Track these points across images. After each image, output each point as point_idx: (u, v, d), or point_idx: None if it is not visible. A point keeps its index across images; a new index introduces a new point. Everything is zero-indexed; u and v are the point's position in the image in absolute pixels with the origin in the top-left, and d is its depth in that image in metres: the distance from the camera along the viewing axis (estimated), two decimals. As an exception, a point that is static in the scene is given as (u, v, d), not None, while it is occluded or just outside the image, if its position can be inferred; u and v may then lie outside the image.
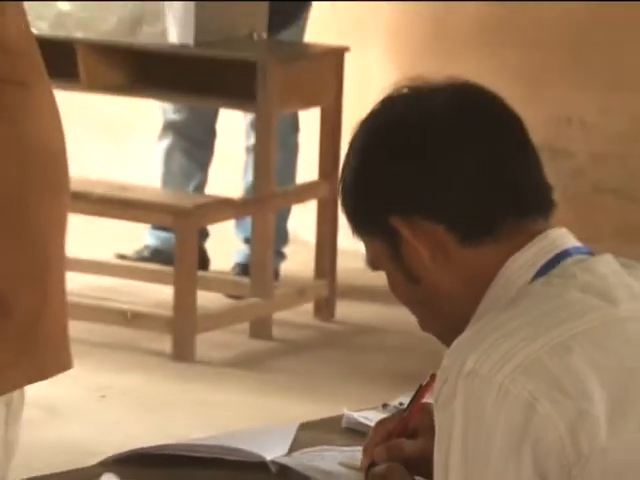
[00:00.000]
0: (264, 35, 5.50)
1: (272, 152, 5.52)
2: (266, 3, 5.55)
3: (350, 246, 4.35)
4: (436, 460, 1.66)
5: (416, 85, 1.77)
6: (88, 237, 5.80)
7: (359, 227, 1.76)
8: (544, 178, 1.78)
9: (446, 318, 1.77)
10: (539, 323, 1.66)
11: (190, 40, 5.28)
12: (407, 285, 1.75)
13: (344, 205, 1.79)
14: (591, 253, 1.75)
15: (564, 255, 1.70)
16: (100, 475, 2.00)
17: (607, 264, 1.73)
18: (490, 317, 1.70)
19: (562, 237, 1.73)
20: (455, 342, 1.67)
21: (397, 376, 4.91)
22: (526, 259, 1.71)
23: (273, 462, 2.13)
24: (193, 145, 5.97)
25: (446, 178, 1.73)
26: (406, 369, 4.97)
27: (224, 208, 5.73)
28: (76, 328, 4.47)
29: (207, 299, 5.42)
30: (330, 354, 5.45)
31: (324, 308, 5.71)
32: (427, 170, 1.74)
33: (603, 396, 1.58)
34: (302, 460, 2.16)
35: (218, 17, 5.56)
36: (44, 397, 4.33)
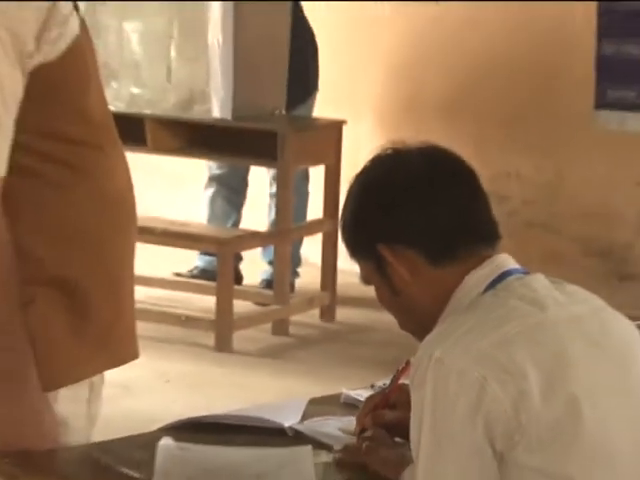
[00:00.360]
0: (283, 111, 5.51)
1: (289, 197, 5.57)
2: (285, 88, 5.47)
3: (347, 266, 4.40)
4: (412, 427, 1.72)
5: (397, 147, 1.84)
6: (153, 260, 5.65)
7: (355, 252, 1.82)
8: (492, 216, 1.84)
9: (419, 321, 1.81)
10: (489, 324, 1.71)
11: (229, 115, 5.29)
12: (391, 296, 1.80)
13: (344, 237, 1.84)
14: (527, 273, 1.80)
15: (507, 274, 1.76)
16: (160, 438, 2.07)
17: (538, 281, 1.78)
18: (452, 320, 1.76)
19: (505, 260, 1.78)
20: (426, 338, 1.73)
21: (382, 363, 4.66)
22: (478, 277, 1.76)
23: (290, 428, 2.14)
24: (231, 193, 5.97)
25: (419, 217, 1.78)
26: (389, 358, 4.71)
27: (253, 239, 5.75)
28: (143, 328, 4.40)
29: (240, 306, 5.43)
30: (332, 347, 5.41)
31: (327, 313, 5.72)
32: (405, 211, 1.80)
33: (537, 377, 1.64)
34: (311, 426, 2.18)
35: (249, 98, 5.47)
36: (120, 379, 4.11)
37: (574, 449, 1.70)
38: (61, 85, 2.02)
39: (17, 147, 1.98)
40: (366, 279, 1.88)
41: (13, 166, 1.97)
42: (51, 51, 1.95)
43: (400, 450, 1.97)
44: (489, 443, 1.68)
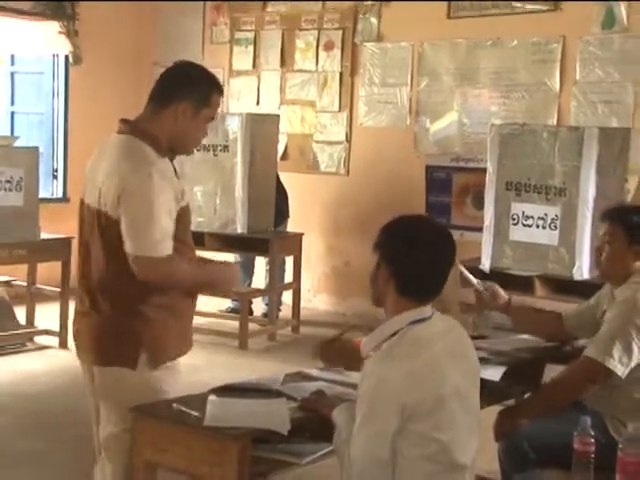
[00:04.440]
0: (272, 228, 6.35)
1: (275, 271, 6.43)
2: (272, 217, 6.34)
3: (307, 305, 5.56)
4: (358, 402, 2.09)
5: (406, 215, 2.14)
6: (206, 303, 5.89)
7: (380, 262, 2.12)
8: (445, 278, 2.12)
9: (379, 301, 2.17)
10: (413, 353, 2.07)
11: (245, 231, 6.23)
12: (381, 284, 2.13)
13: (381, 247, 2.14)
14: (430, 317, 2.13)
15: (422, 320, 2.11)
16: (209, 395, 2.51)
17: (446, 321, 2.17)
18: (393, 346, 2.09)
19: (427, 311, 2.13)
20: (379, 360, 2.06)
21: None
22: (413, 314, 2.10)
23: (274, 389, 2.58)
24: (246, 270, 6.70)
25: (419, 267, 2.09)
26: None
27: (258, 292, 6.67)
28: (203, 337, 5.65)
29: (252, 326, 6.26)
30: (298, 347, 5.90)
31: (295, 329, 6.55)
32: (411, 256, 2.09)
33: (437, 385, 2.04)
34: (285, 388, 2.59)
35: (254, 222, 6.29)
36: (188, 362, 4.93)
37: (442, 421, 2.05)
38: (185, 216, 2.58)
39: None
40: (375, 275, 2.14)
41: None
42: (182, 204, 2.55)
43: (333, 401, 2.35)
44: (399, 418, 2.01)
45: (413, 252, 2.07)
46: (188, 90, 2.57)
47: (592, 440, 2.43)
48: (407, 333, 2.06)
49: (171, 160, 2.57)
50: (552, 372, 3.18)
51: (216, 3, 7.71)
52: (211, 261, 2.81)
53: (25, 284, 6.04)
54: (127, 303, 2.48)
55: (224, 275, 2.65)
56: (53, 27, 7.25)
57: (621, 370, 2.71)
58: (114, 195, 2.45)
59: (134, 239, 2.42)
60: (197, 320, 6.09)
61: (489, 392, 2.61)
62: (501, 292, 3.15)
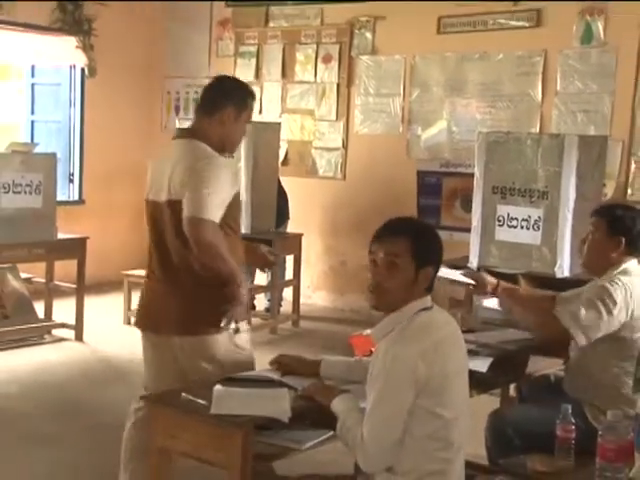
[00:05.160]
0: (273, 229, 6.28)
1: (277, 270, 6.32)
2: (274, 218, 6.27)
3: (305, 301, 5.57)
4: (371, 381, 2.11)
5: (405, 217, 2.25)
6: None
7: (413, 256, 2.16)
8: None
9: (393, 297, 2.18)
10: (421, 335, 2.13)
11: (249, 231, 5.95)
12: (394, 278, 2.15)
13: (414, 246, 2.16)
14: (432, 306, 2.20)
15: (427, 308, 2.19)
16: (215, 385, 2.52)
17: (444, 314, 2.24)
18: (403, 329, 2.13)
19: (429, 300, 2.21)
20: (392, 340, 2.11)
21: (322, 347, 5.55)
22: (420, 303, 2.19)
23: (277, 379, 2.61)
24: (249, 268, 5.69)
25: (438, 261, 2.21)
26: (322, 345, 5.67)
27: (261, 288, 6.61)
28: None
29: (255, 321, 6.11)
30: (298, 339, 6.09)
31: (295, 323, 6.53)
32: (438, 252, 2.22)
33: (436, 363, 2.10)
34: (286, 378, 2.60)
35: (258, 223, 6.12)
36: None
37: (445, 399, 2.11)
38: (235, 202, 2.84)
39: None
40: (390, 264, 2.14)
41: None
42: (235, 190, 2.82)
43: (328, 389, 2.38)
44: (414, 394, 2.06)
45: (439, 248, 2.20)
46: (229, 98, 2.90)
47: (573, 427, 2.44)
48: (415, 319, 2.11)
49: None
50: (536, 363, 3.20)
51: (221, 19, 7.76)
52: (253, 248, 3.09)
53: (43, 281, 6.09)
54: (205, 279, 2.70)
55: (244, 289, 2.80)
56: (70, 42, 7.32)
57: (582, 340, 2.75)
58: (181, 179, 2.72)
59: (189, 203, 2.66)
60: None
61: (477, 382, 2.62)
62: (488, 278, 3.17)
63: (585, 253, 2.92)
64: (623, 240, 2.85)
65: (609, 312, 2.73)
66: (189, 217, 2.66)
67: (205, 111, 2.90)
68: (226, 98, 2.90)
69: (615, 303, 2.73)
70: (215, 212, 2.68)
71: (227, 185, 2.75)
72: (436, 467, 2.10)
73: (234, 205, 2.80)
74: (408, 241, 2.14)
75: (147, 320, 2.91)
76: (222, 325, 2.71)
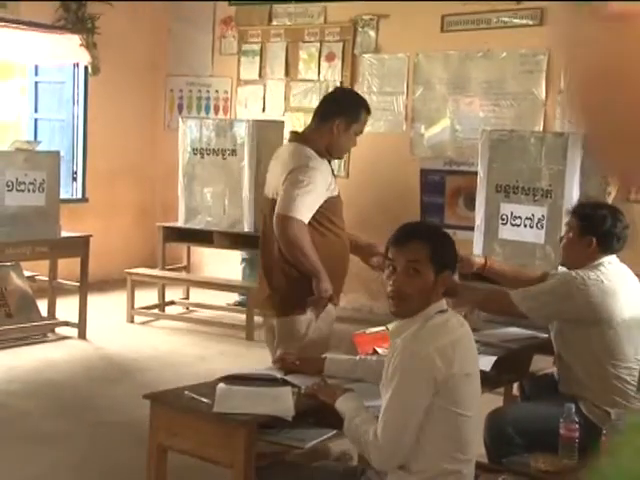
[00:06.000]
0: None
1: None
2: None
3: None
4: (387, 378, 2.08)
5: (418, 222, 2.56)
6: (218, 296, 6.62)
7: (435, 263, 2.16)
8: None
9: (414, 299, 2.16)
10: (438, 334, 2.13)
11: (252, 230, 6.02)
12: (416, 283, 2.14)
13: (435, 253, 2.16)
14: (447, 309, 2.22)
15: (444, 311, 2.19)
16: (218, 383, 2.53)
17: (457, 316, 2.24)
18: (420, 328, 2.13)
19: (445, 303, 2.22)
20: (409, 338, 2.09)
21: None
22: (439, 305, 2.20)
23: (280, 378, 2.61)
24: (252, 266, 6.63)
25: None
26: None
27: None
28: (211, 329, 5.85)
29: (257, 318, 5.69)
30: None
31: None
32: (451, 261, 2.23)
33: (455, 362, 2.10)
34: (289, 377, 2.60)
35: (259, 222, 5.43)
36: (196, 353, 5.44)
37: (465, 397, 2.11)
38: (337, 203, 3.06)
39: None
40: (411, 271, 2.13)
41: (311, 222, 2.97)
42: (332, 193, 3.05)
43: (332, 388, 2.38)
44: (431, 392, 2.04)
45: (455, 252, 2.26)
46: (342, 110, 3.15)
47: (577, 426, 2.46)
48: (432, 320, 2.13)
49: (329, 162, 3.14)
50: (540, 362, 3.25)
51: (225, 17, 7.75)
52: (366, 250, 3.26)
53: (47, 279, 6.10)
54: (295, 270, 2.99)
55: (325, 283, 3.02)
56: (74, 40, 7.30)
57: (530, 314, 2.86)
58: (282, 179, 2.99)
59: (280, 202, 2.94)
60: (207, 313, 6.54)
61: (480, 381, 2.55)
62: (475, 259, 3.20)
63: (562, 252, 2.98)
64: (594, 240, 2.88)
65: (550, 292, 2.85)
66: (277, 214, 2.94)
67: (319, 118, 3.14)
68: (338, 109, 3.14)
69: (555, 288, 2.85)
70: (304, 212, 2.93)
71: (321, 188, 2.99)
72: (450, 467, 2.09)
73: (330, 207, 3.03)
74: (427, 247, 2.15)
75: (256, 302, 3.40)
76: (306, 312, 3.00)
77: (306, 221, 2.93)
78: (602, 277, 2.82)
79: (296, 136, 3.21)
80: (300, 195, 2.90)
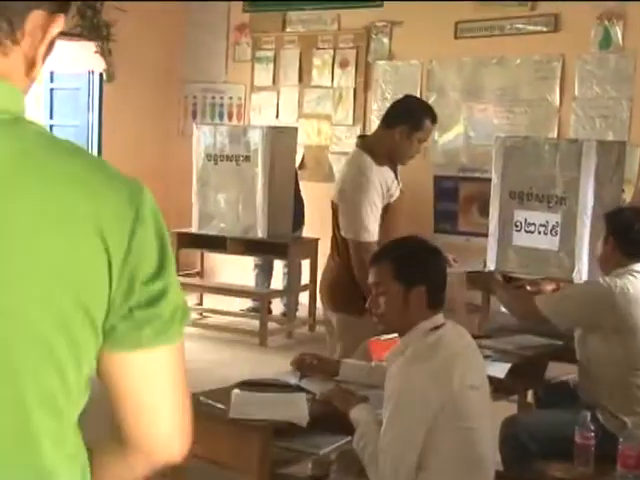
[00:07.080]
0: (290, 233, 6.32)
1: (293, 273, 6.52)
2: (290, 223, 6.25)
3: (319, 306, 4.79)
4: (385, 403, 2.06)
5: (413, 236, 2.24)
6: (233, 302, 6.71)
7: (399, 279, 2.13)
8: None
9: (395, 322, 2.16)
10: (430, 356, 2.09)
11: (266, 236, 6.24)
12: (393, 305, 2.13)
13: (397, 267, 2.13)
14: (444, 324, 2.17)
15: (438, 327, 2.16)
16: (234, 389, 2.56)
17: (457, 329, 2.20)
18: (413, 353, 2.10)
19: (440, 319, 2.18)
20: (402, 366, 2.07)
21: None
22: (430, 323, 2.16)
23: (294, 384, 2.64)
24: (265, 272, 6.83)
25: (444, 278, 2.16)
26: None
27: (276, 293, 6.72)
28: (227, 335, 6.01)
29: (271, 325, 6.33)
30: (313, 343, 5.66)
31: (311, 327, 6.56)
32: (441, 269, 2.19)
33: (454, 380, 2.06)
34: (303, 383, 2.63)
35: (274, 228, 6.20)
36: (213, 358, 5.48)
37: (470, 412, 2.07)
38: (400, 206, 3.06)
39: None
40: (378, 292, 2.12)
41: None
42: (390, 199, 3.06)
43: (347, 396, 2.35)
44: (430, 417, 2.01)
45: (441, 265, 2.22)
46: (406, 117, 3.20)
47: (593, 434, 2.44)
48: (424, 340, 2.11)
49: (392, 168, 3.19)
50: (555, 369, 3.21)
51: (239, 24, 7.77)
52: None
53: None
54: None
55: None
56: (89, 47, 7.36)
57: (553, 318, 2.88)
58: (341, 187, 3.14)
59: (351, 226, 3.07)
60: (220, 319, 7.13)
61: (495, 388, 2.62)
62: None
63: (597, 258, 3.02)
64: (614, 242, 2.89)
65: (574, 297, 2.91)
66: (350, 239, 3.09)
67: (383, 125, 3.22)
68: (403, 116, 3.19)
69: (580, 294, 2.90)
70: (372, 231, 3.05)
71: (377, 199, 3.07)
72: None
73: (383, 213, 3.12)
74: (390, 266, 2.14)
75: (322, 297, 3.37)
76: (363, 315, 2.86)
77: (376, 237, 3.04)
78: (629, 285, 2.78)
79: (361, 141, 3.29)
80: (365, 215, 3.00)
